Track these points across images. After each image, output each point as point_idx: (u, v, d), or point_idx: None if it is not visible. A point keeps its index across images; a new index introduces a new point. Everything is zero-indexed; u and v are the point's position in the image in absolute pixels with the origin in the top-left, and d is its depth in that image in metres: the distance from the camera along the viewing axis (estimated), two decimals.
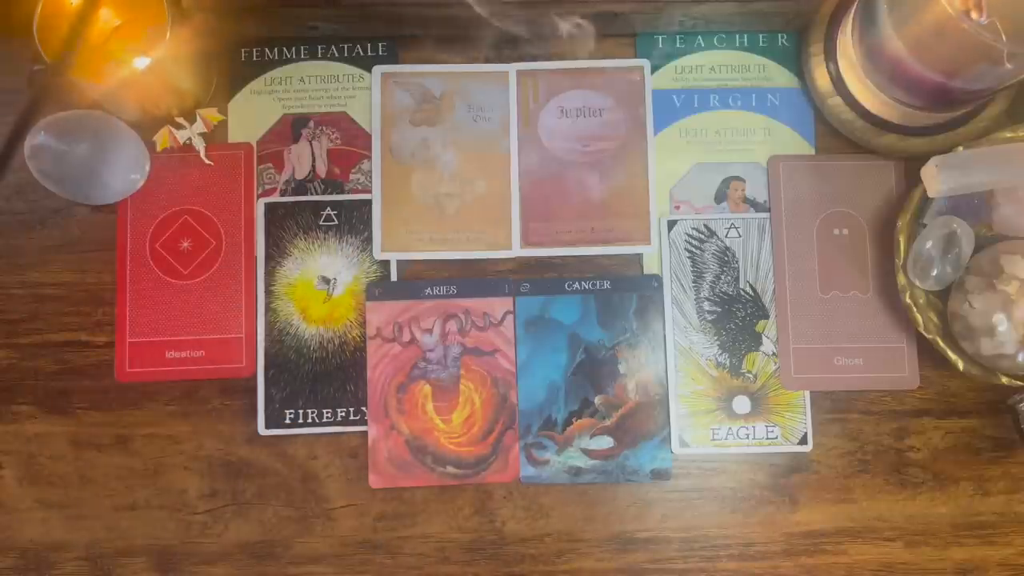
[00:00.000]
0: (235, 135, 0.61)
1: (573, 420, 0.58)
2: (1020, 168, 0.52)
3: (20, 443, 0.58)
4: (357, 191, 0.60)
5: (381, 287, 0.59)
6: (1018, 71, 0.48)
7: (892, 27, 0.51)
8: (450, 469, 0.58)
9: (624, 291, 0.59)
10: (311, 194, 0.60)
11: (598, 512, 0.58)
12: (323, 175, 0.60)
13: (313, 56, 0.61)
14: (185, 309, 0.59)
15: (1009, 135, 0.55)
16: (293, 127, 0.61)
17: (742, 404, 0.59)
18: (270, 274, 0.59)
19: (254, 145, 0.61)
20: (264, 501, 0.58)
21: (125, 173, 0.59)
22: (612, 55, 0.61)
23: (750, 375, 0.59)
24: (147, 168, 0.60)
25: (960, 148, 0.55)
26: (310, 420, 0.58)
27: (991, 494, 0.58)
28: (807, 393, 0.59)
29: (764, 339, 0.59)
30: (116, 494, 0.58)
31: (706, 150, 0.61)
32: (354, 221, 0.60)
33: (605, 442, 0.58)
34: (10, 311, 0.59)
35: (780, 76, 0.61)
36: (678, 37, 0.62)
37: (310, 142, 0.61)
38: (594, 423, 0.58)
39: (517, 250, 0.60)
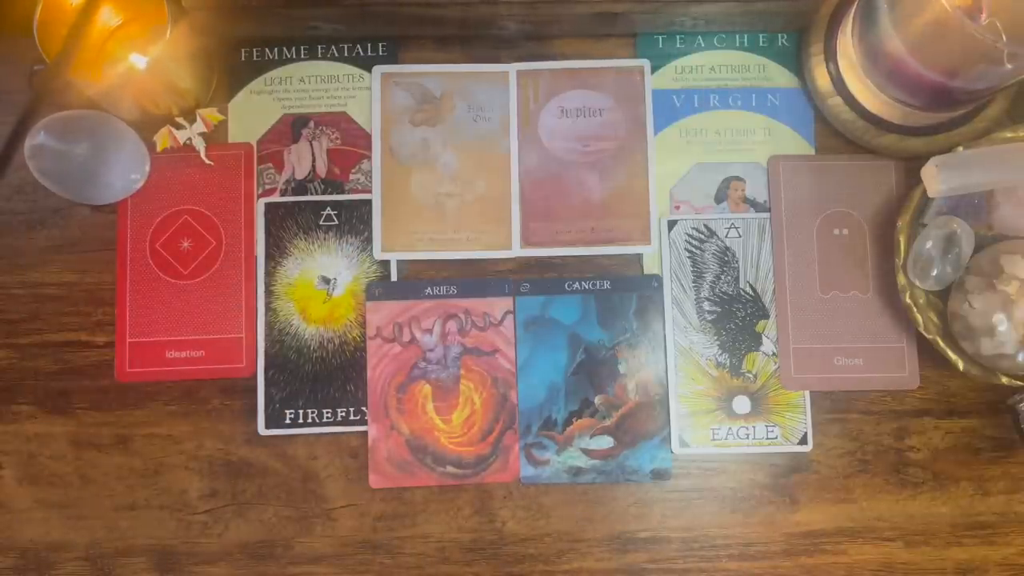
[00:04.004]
0: (235, 135, 0.61)
1: (573, 420, 0.58)
2: (1020, 168, 0.52)
3: (20, 443, 0.58)
4: (357, 191, 0.60)
5: (381, 287, 0.59)
6: (1018, 71, 0.48)
7: (892, 27, 0.51)
8: (450, 469, 0.58)
9: (624, 291, 0.59)
10: (311, 194, 0.60)
11: (598, 512, 0.58)
12: (323, 175, 0.60)
13: (313, 56, 0.61)
14: (185, 309, 0.59)
15: (1009, 135, 0.55)
16: (293, 127, 0.61)
17: (742, 404, 0.59)
18: (270, 274, 0.59)
19: (254, 145, 0.61)
20: (264, 501, 0.58)
21: (125, 173, 0.59)
22: (612, 55, 0.61)
23: (750, 375, 0.59)
24: (147, 168, 0.60)
25: (960, 148, 0.55)
26: (310, 420, 0.58)
27: (991, 494, 0.58)
28: (807, 393, 0.59)
29: (764, 339, 0.59)
30: (116, 494, 0.58)
31: (706, 150, 0.61)
32: (354, 221, 0.60)
33: (605, 442, 0.58)
34: (10, 311, 0.59)
35: (780, 76, 0.61)
36: (678, 37, 0.62)
37: (310, 142, 0.61)
38: (594, 423, 0.58)
39: (517, 250, 0.60)
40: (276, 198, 0.60)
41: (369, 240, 0.60)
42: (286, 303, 0.59)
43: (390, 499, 0.58)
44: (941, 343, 0.55)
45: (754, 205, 0.60)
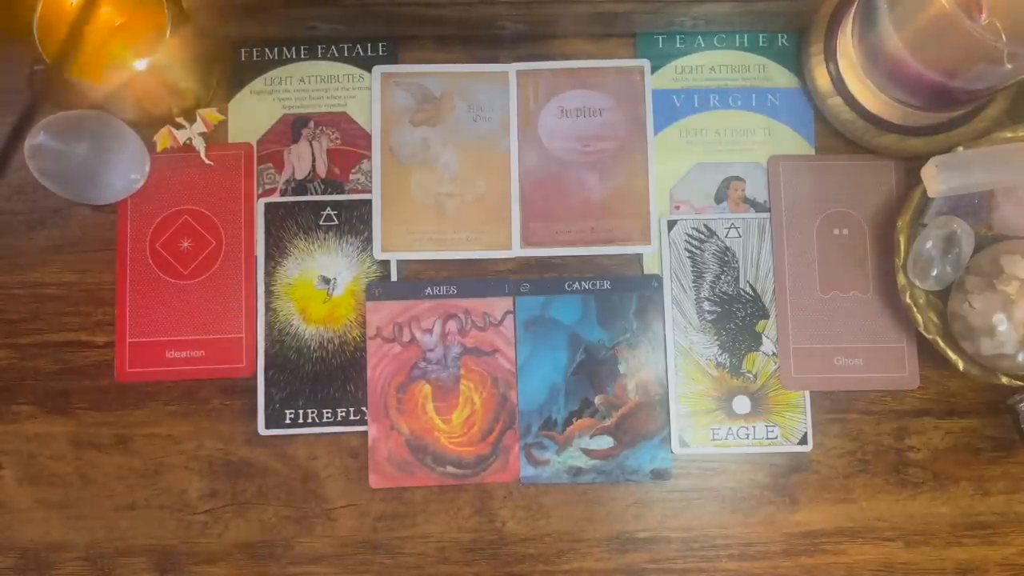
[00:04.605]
0: (235, 135, 0.61)
1: (573, 420, 0.58)
2: (1020, 168, 0.52)
3: (20, 443, 0.58)
4: (357, 191, 0.60)
5: (381, 287, 0.59)
6: (1018, 71, 0.48)
7: (892, 27, 0.51)
8: (450, 469, 0.58)
9: (624, 291, 0.59)
10: (311, 194, 0.60)
11: (598, 512, 0.58)
12: (323, 175, 0.61)
13: (313, 56, 0.61)
14: (185, 309, 0.59)
15: (1009, 135, 0.55)
16: (293, 127, 0.61)
17: (742, 404, 0.59)
18: (270, 274, 0.60)
19: (254, 145, 0.61)
20: (264, 501, 0.58)
21: (125, 173, 0.59)
22: (612, 55, 0.61)
23: (750, 375, 0.59)
24: (147, 168, 0.60)
25: (960, 148, 0.55)
26: (310, 420, 0.58)
27: (991, 494, 0.58)
28: (807, 393, 0.59)
29: (764, 339, 0.59)
30: (116, 494, 0.58)
31: (706, 150, 0.61)
32: (354, 221, 0.60)
33: (605, 442, 0.58)
34: (10, 311, 0.59)
35: (780, 76, 0.61)
36: (678, 37, 0.62)
37: (310, 142, 0.61)
38: (594, 423, 0.58)
39: (517, 250, 0.60)
40: (276, 198, 0.60)
41: (369, 240, 0.60)
42: (286, 303, 0.59)
43: (390, 499, 0.58)
44: (941, 343, 0.55)
45: (754, 205, 0.60)
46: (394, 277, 0.60)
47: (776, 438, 0.58)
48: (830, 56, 0.58)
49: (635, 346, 0.59)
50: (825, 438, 0.59)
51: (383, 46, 0.62)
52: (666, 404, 0.58)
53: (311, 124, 0.61)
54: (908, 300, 0.55)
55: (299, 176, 0.61)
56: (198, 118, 0.60)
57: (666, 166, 0.61)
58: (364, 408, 0.58)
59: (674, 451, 0.58)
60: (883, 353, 0.59)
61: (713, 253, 0.60)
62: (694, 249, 0.60)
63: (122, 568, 0.57)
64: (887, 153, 0.60)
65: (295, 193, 0.60)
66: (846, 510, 0.58)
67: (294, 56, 0.61)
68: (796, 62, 0.61)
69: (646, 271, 0.60)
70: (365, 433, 0.58)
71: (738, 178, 0.61)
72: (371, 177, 0.60)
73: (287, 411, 0.58)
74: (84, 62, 0.56)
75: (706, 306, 0.59)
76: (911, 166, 0.59)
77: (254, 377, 0.59)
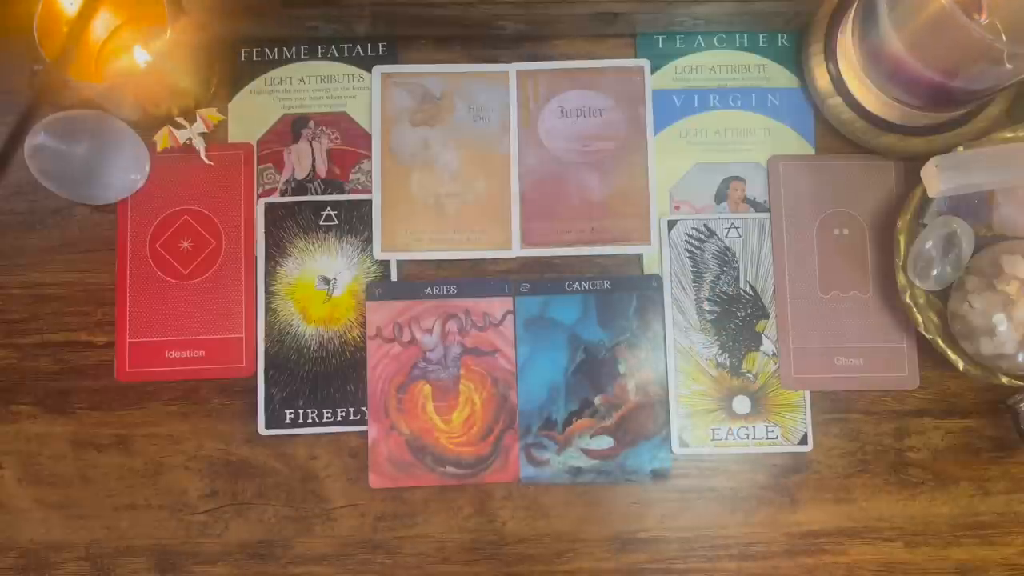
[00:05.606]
0: (235, 135, 0.61)
1: (573, 420, 0.58)
2: (1020, 168, 0.52)
3: (20, 443, 0.58)
4: (357, 191, 0.60)
5: (381, 287, 0.59)
6: (1018, 71, 0.48)
7: (892, 27, 0.51)
8: (450, 469, 0.58)
9: (624, 291, 0.59)
10: (311, 194, 0.60)
11: (598, 512, 0.58)
12: (323, 175, 0.61)
13: (313, 56, 0.61)
14: (185, 309, 0.59)
15: (1009, 135, 0.55)
16: (293, 127, 0.61)
17: (742, 404, 0.59)
18: (270, 274, 0.60)
19: (254, 145, 0.61)
20: (264, 501, 0.58)
21: (125, 173, 0.59)
22: (612, 55, 0.61)
23: (750, 375, 0.59)
24: (147, 168, 0.60)
25: (960, 148, 0.55)
26: (310, 420, 0.58)
27: (991, 494, 0.58)
28: (807, 393, 0.59)
29: (764, 339, 0.59)
30: (116, 494, 0.58)
31: (706, 150, 0.61)
32: (354, 221, 0.60)
33: (605, 442, 0.58)
34: (10, 311, 0.59)
35: (780, 76, 0.61)
36: (678, 37, 0.62)
37: (310, 142, 0.61)
38: (594, 423, 0.58)
39: (517, 250, 0.60)
40: (276, 198, 0.60)
41: (369, 240, 0.60)
42: (286, 303, 0.59)
43: (390, 499, 0.58)
44: (941, 343, 0.55)
45: (754, 205, 0.60)
46: (394, 277, 0.60)
47: (776, 438, 0.58)
48: (830, 56, 0.58)
49: (635, 346, 0.59)
50: (825, 438, 0.59)
51: (383, 46, 0.62)
52: (666, 404, 0.58)
53: (311, 124, 0.61)
54: (908, 300, 0.56)
55: (299, 176, 0.61)
56: (198, 118, 0.60)
57: (666, 166, 0.61)
58: (364, 408, 0.58)
59: (674, 451, 0.58)
60: (883, 353, 0.59)
61: (713, 253, 0.60)
62: (694, 249, 0.60)
63: (122, 568, 0.57)
64: (887, 153, 0.60)
65: (295, 193, 0.60)
66: (846, 510, 0.58)
67: (294, 56, 0.61)
68: (796, 62, 0.61)
69: (646, 271, 0.60)
70: (365, 433, 0.58)
71: (738, 178, 0.61)
72: (371, 177, 0.60)
73: (287, 411, 0.58)
74: (84, 62, 0.56)
75: (706, 306, 0.59)
76: (911, 166, 0.59)
77: (254, 377, 0.59)
